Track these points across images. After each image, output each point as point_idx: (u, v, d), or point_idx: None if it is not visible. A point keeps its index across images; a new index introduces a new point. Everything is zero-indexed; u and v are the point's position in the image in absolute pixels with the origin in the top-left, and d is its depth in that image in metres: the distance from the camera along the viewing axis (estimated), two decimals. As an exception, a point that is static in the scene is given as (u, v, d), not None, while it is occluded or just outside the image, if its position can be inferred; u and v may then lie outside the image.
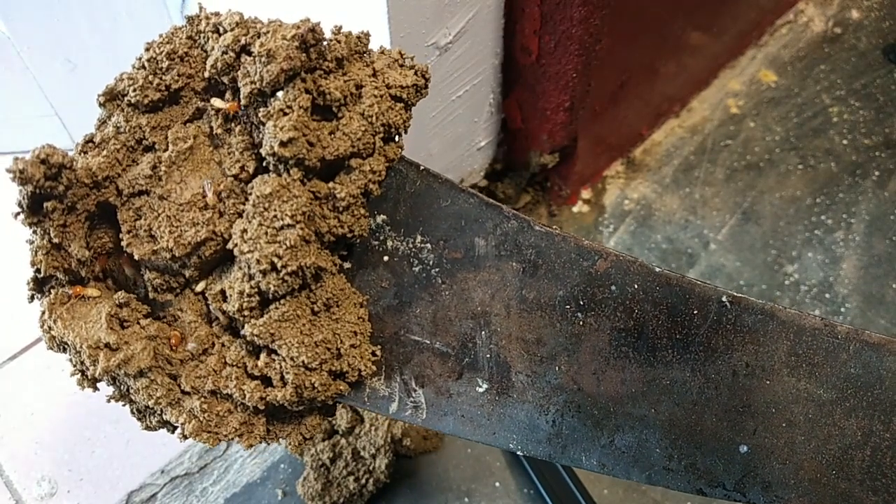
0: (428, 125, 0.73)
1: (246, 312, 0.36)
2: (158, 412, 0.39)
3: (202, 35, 0.37)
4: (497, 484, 0.72)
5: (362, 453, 0.69)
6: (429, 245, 0.39)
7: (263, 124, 0.35)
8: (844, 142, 0.96)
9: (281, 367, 0.37)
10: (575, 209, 0.91)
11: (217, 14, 0.37)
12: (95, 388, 0.38)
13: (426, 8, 0.62)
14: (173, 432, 0.39)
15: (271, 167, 0.36)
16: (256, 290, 0.35)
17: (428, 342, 0.39)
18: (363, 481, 0.69)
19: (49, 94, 0.84)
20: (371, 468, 0.69)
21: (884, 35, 1.08)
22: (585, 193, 0.92)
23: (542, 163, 0.84)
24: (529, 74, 0.76)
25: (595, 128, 0.85)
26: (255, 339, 0.36)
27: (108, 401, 0.39)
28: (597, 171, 0.93)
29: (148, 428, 0.40)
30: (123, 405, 0.39)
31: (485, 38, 0.72)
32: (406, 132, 0.38)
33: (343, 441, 0.70)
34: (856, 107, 1.00)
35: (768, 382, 0.37)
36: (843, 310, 0.82)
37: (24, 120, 0.87)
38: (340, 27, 0.37)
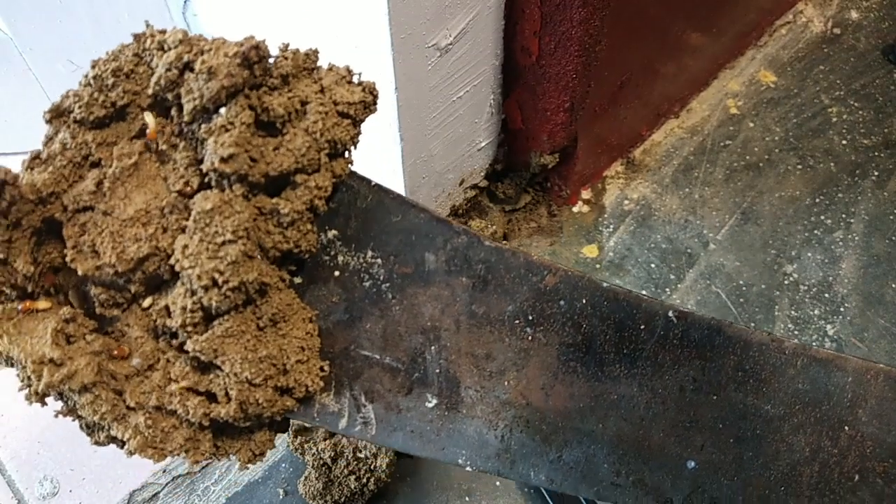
0: (429, 125, 0.73)
1: (189, 328, 0.36)
2: (105, 427, 0.38)
3: (147, 52, 0.37)
4: (497, 483, 0.72)
5: (364, 452, 0.70)
6: (379, 260, 0.38)
7: (206, 140, 0.35)
8: (844, 142, 0.97)
9: (225, 382, 0.36)
10: (575, 209, 0.92)
11: (163, 31, 0.37)
12: (44, 403, 0.38)
13: (427, 9, 0.62)
14: (122, 447, 0.39)
15: (214, 183, 0.35)
16: (199, 305, 0.35)
17: (378, 357, 0.39)
18: (364, 480, 0.69)
19: (51, 95, 0.84)
20: (372, 467, 0.69)
21: (883, 35, 1.08)
22: (585, 194, 0.93)
23: (543, 163, 0.84)
24: (530, 75, 0.77)
25: (595, 128, 0.85)
26: (199, 354, 0.36)
27: (56, 416, 0.39)
28: (597, 172, 0.94)
29: (97, 443, 0.40)
30: (73, 420, 0.39)
31: (485, 39, 0.72)
32: (355, 147, 0.37)
33: (345, 440, 0.70)
34: (855, 107, 1.00)
35: (715, 398, 0.36)
36: (842, 309, 0.83)
37: (26, 122, 0.87)
38: (288, 45, 0.37)
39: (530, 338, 0.38)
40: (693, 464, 0.37)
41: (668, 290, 0.85)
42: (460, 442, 0.38)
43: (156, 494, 0.72)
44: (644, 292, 0.85)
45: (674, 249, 0.88)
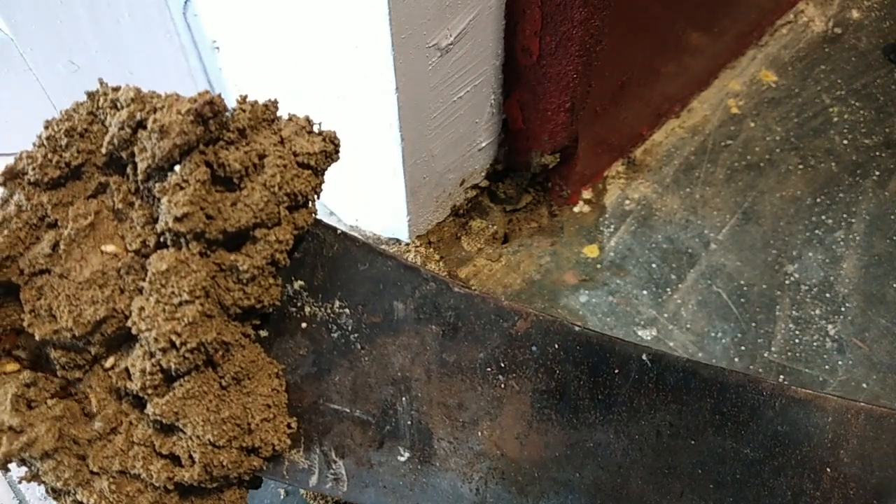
0: (429, 126, 0.73)
1: (150, 390, 0.35)
2: (70, 492, 0.38)
3: (101, 111, 0.36)
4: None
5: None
6: (347, 310, 0.37)
7: (160, 199, 0.34)
8: (845, 142, 0.97)
9: (188, 445, 0.36)
10: (576, 209, 0.91)
11: (116, 89, 0.36)
12: (7, 469, 0.37)
13: (427, 9, 0.62)
14: None
15: (170, 242, 0.35)
16: (158, 367, 0.34)
17: (348, 410, 0.38)
18: (365, 481, 0.69)
19: (52, 96, 0.84)
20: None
21: (884, 35, 1.08)
22: (586, 194, 0.92)
23: (543, 163, 0.84)
24: (530, 75, 0.77)
25: (596, 128, 0.85)
26: (160, 418, 0.35)
27: (20, 482, 0.38)
28: (598, 172, 0.93)
29: None
30: (38, 485, 0.38)
31: (486, 39, 0.72)
32: (318, 197, 0.36)
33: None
34: (856, 107, 1.00)
35: (693, 442, 0.35)
36: (843, 309, 0.82)
37: (26, 122, 0.87)
38: (246, 97, 0.36)
39: (503, 385, 0.37)
40: None
41: (668, 290, 0.85)
42: (434, 496, 0.37)
43: (156, 495, 0.72)
44: (645, 292, 0.84)
45: (675, 249, 0.88)
